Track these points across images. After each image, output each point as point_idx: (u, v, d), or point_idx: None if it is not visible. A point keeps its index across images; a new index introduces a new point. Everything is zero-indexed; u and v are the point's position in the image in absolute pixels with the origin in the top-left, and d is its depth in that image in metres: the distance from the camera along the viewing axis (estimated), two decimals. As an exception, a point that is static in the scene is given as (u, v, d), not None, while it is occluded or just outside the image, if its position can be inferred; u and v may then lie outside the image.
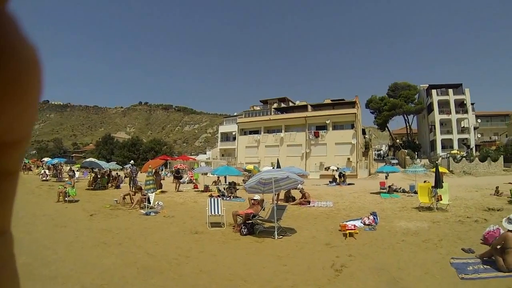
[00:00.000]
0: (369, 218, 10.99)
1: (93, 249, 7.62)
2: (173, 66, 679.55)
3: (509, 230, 6.45)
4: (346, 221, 10.79)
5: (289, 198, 17.16)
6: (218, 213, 10.85)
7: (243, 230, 9.55)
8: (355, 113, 45.75)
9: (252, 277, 6.09)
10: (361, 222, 10.87)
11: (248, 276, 6.13)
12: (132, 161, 29.26)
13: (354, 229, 9.59)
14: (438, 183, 13.97)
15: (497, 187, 18.86)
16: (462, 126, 52.82)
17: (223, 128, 64.99)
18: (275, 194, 12.53)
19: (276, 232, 9.12)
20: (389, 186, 21.56)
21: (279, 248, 8.12)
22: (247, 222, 9.81)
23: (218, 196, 15.80)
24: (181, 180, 24.11)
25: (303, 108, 52.93)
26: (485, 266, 6.49)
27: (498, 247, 6.45)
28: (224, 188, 20.78)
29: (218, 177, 26.20)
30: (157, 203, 14.47)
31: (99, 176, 23.55)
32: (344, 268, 6.51)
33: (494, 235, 8.01)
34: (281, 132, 49.47)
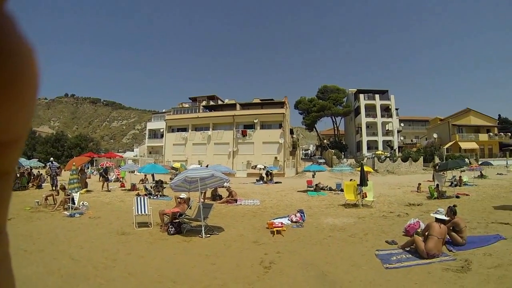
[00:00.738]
0: (296, 216, 11.25)
1: (12, 258, 6.77)
2: (102, 56, 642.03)
3: (436, 220, 7.27)
4: (274, 219, 11.00)
5: (216, 196, 17.06)
6: (144, 212, 10.48)
7: (170, 229, 9.32)
8: (284, 113, 47.08)
9: (181, 277, 5.92)
10: (288, 219, 11.10)
11: (177, 277, 5.93)
12: (52, 157, 27.10)
13: (282, 227, 9.76)
14: (363, 181, 14.91)
15: (419, 184, 20.65)
16: (386, 129, 57.70)
17: (151, 125, 63.40)
18: (202, 192, 12.47)
19: (203, 231, 9.02)
20: (316, 185, 22.39)
21: (207, 247, 8.02)
22: (174, 221, 9.60)
23: (145, 195, 15.44)
24: (108, 179, 22.90)
25: (232, 106, 53.59)
26: (407, 256, 7.01)
27: (426, 233, 7.20)
28: (151, 186, 20.15)
29: (145, 175, 25.55)
30: (82, 203, 13.48)
31: (18, 175, 21.38)
32: (273, 265, 6.56)
33: (415, 227, 8.81)
34: (209, 130, 49.24)
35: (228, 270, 6.34)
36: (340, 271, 6.22)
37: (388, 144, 56.25)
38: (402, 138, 65.68)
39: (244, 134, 47.02)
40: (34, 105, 0.32)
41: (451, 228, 7.81)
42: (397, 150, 53.98)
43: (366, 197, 14.83)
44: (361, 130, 57.00)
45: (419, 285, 5.50)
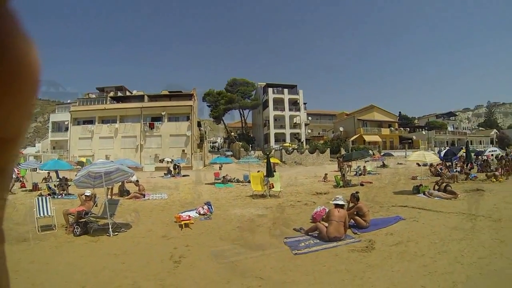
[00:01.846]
0: (203, 208, 11.22)
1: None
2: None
3: (335, 205, 7.85)
4: (181, 212, 10.83)
5: (123, 192, 16.39)
6: (47, 214, 9.54)
7: (76, 230, 8.70)
8: (191, 106, 46.97)
9: (91, 281, 5.55)
10: (196, 212, 11.02)
11: (86, 281, 5.53)
12: None
13: (189, 220, 9.64)
14: (270, 173, 15.43)
15: (325, 174, 22.00)
16: (294, 122, 60.51)
17: (55, 117, 57.35)
18: (108, 188, 12.05)
19: (111, 229, 8.61)
20: (224, 177, 22.73)
21: (116, 246, 7.68)
22: (79, 221, 9.01)
23: (49, 194, 14.33)
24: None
25: (140, 98, 52.25)
26: (315, 241, 7.37)
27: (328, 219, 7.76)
28: (54, 185, 18.53)
29: (49, 172, 23.68)
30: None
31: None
32: (183, 259, 6.47)
33: (321, 214, 9.40)
34: (116, 122, 46.86)
35: (138, 267, 6.11)
36: (249, 260, 6.30)
37: (295, 137, 59.16)
38: (309, 131, 69.64)
39: (151, 127, 45.93)
40: (34, 103, 0.33)
41: (355, 213, 8.59)
42: (304, 142, 57.12)
43: (273, 187, 15.33)
44: (269, 123, 58.92)
45: (327, 267, 5.81)
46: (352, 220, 8.54)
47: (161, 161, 38.43)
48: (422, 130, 71.38)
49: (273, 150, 47.81)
